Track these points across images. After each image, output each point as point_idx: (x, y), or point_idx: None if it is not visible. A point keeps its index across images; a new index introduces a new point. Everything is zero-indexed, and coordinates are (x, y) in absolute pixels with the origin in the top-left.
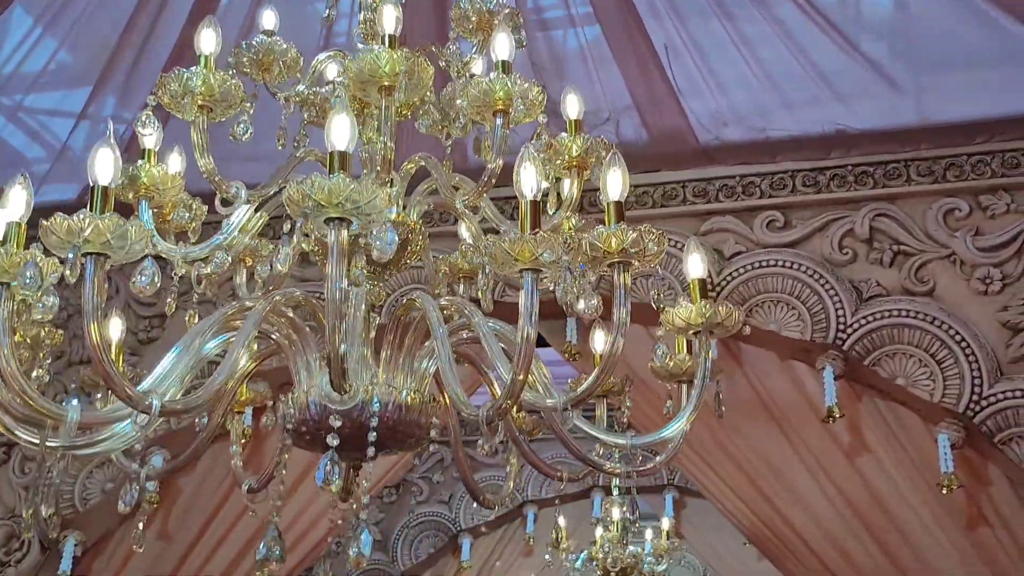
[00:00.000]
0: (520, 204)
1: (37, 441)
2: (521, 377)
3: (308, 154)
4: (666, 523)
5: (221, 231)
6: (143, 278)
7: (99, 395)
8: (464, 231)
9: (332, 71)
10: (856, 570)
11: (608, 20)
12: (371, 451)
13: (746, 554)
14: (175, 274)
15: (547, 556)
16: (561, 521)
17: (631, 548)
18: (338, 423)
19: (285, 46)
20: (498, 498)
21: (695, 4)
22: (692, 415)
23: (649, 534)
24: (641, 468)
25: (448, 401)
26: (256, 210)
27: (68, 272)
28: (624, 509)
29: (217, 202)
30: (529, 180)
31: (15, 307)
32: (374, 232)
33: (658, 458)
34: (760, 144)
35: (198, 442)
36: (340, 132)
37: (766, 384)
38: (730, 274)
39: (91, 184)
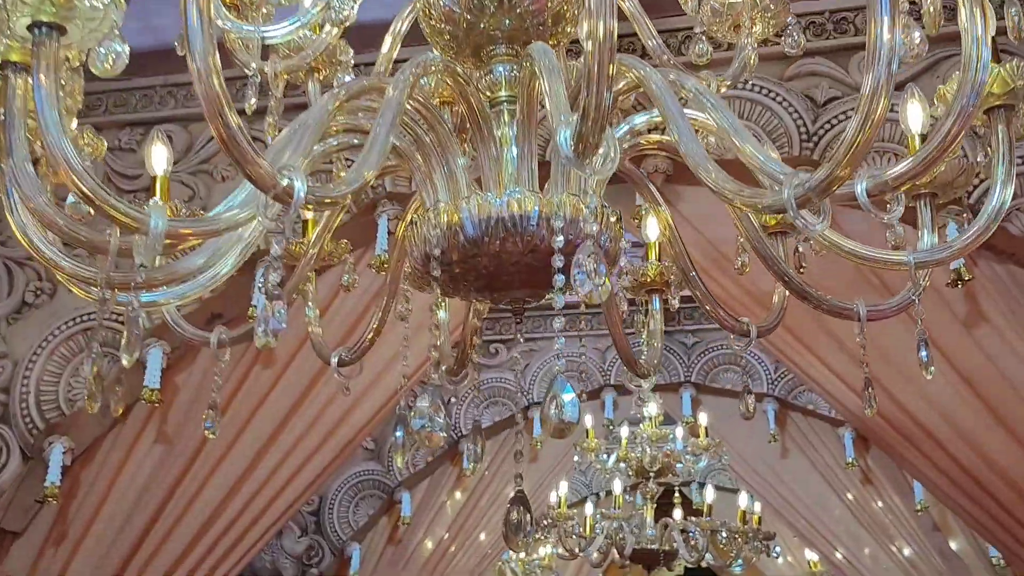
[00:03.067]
0: None
1: (90, 274)
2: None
3: None
4: (704, 418)
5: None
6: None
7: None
8: None
9: None
10: (985, 459)
11: None
12: (559, 284)
13: (770, 452)
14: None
15: (576, 457)
16: (589, 421)
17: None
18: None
19: None
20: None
21: None
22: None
23: (680, 432)
24: None
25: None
26: None
27: None
28: (650, 404)
29: None
30: None
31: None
32: None
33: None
34: None
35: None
36: None
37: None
38: (827, 123)
39: None
